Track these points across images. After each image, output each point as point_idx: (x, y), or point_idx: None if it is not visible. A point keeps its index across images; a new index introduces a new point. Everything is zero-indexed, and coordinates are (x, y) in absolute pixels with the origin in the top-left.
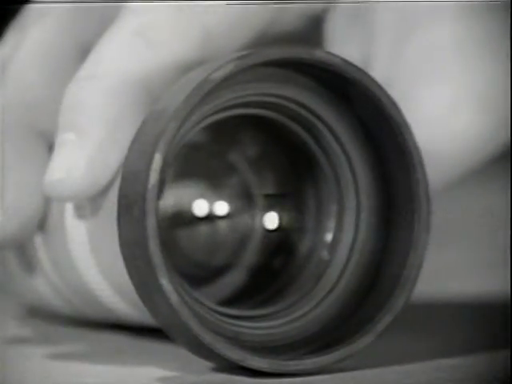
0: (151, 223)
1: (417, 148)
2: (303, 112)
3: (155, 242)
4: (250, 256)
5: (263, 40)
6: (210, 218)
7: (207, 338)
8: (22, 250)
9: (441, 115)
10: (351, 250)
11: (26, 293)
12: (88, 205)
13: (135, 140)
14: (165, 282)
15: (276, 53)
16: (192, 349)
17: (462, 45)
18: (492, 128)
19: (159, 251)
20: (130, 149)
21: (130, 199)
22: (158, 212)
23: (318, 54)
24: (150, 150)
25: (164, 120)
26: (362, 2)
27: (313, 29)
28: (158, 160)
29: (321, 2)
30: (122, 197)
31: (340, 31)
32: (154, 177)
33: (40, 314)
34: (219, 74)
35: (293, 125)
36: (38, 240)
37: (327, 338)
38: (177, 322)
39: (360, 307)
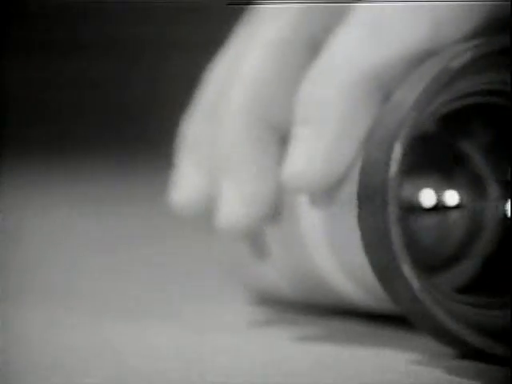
0: (393, 212)
1: None
2: None
3: (397, 230)
4: (484, 244)
5: (488, 26)
6: (441, 207)
7: (452, 325)
8: (253, 238)
9: None
10: None
11: (254, 280)
12: (323, 195)
13: (373, 132)
14: (406, 270)
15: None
16: (435, 335)
17: None
18: None
19: (400, 239)
20: (368, 141)
21: (371, 189)
22: (398, 201)
23: None
24: (390, 140)
25: (403, 110)
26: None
27: None
28: (398, 150)
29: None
30: (362, 187)
31: None
32: (394, 166)
33: (267, 301)
34: (457, 63)
35: None
36: (270, 228)
37: None
38: (419, 309)
39: None
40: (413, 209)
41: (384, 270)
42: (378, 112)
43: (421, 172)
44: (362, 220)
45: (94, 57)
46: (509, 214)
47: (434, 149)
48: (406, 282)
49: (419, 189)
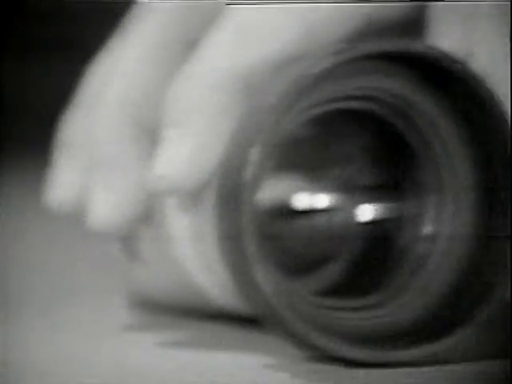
0: (246, 215)
1: None
2: (403, 105)
3: (249, 233)
4: (348, 248)
5: (366, 31)
6: (310, 210)
7: (300, 327)
8: (126, 240)
9: None
10: (450, 242)
11: (129, 283)
12: (190, 198)
13: (234, 134)
14: (258, 273)
15: (372, 46)
16: (287, 338)
17: None
18: None
19: (253, 243)
20: (229, 143)
21: (227, 192)
22: (254, 205)
23: (416, 47)
24: (248, 144)
25: (262, 114)
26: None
27: (417, 18)
28: (254, 154)
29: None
30: (219, 189)
31: (443, 21)
32: (249, 170)
33: (142, 304)
34: (315, 69)
35: (392, 118)
36: (141, 231)
37: (422, 331)
38: (270, 312)
39: (458, 301)
40: (284, 212)
41: (237, 273)
42: (240, 115)
43: (292, 175)
44: (217, 223)
45: (94, 57)
46: (376, 218)
47: (306, 152)
48: (257, 286)
49: (290, 192)
